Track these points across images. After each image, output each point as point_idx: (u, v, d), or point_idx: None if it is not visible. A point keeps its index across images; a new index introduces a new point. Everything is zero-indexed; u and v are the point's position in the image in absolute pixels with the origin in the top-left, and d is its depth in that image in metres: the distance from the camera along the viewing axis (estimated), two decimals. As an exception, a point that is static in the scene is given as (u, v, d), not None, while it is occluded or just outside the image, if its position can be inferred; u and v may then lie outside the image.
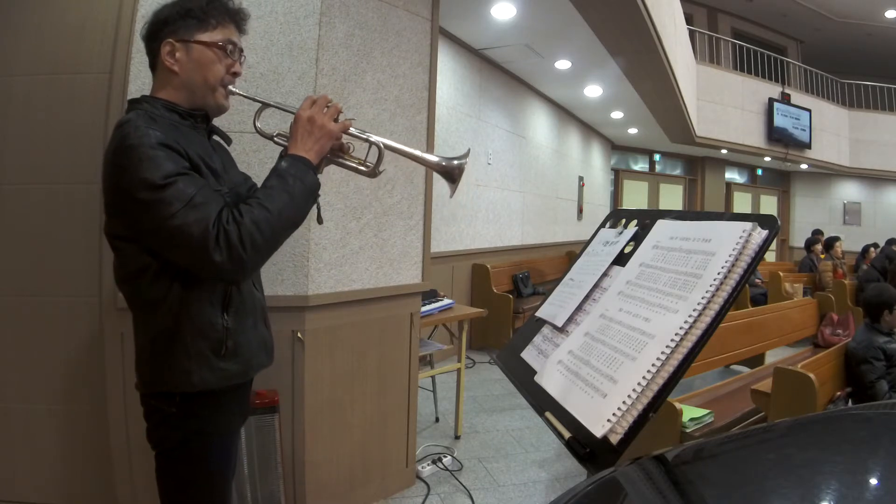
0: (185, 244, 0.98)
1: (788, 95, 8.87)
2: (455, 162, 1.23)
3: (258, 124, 1.23)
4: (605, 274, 1.18)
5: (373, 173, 1.23)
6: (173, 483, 1.15)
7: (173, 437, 1.12)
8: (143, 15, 1.81)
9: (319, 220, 1.26)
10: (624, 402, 0.84)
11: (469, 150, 1.36)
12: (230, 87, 1.16)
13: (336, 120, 1.16)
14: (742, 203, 10.90)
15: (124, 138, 0.99)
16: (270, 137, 1.24)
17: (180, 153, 1.01)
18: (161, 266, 1.04)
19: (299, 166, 1.10)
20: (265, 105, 1.23)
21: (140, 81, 1.81)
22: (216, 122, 1.25)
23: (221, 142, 1.29)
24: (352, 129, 1.19)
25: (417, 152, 1.24)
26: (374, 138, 1.20)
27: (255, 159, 1.84)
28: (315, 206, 1.18)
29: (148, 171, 0.96)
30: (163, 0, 1.64)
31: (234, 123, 1.77)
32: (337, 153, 1.22)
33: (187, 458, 1.13)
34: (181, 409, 1.09)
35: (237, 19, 1.16)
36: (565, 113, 7.07)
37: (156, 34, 1.10)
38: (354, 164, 1.25)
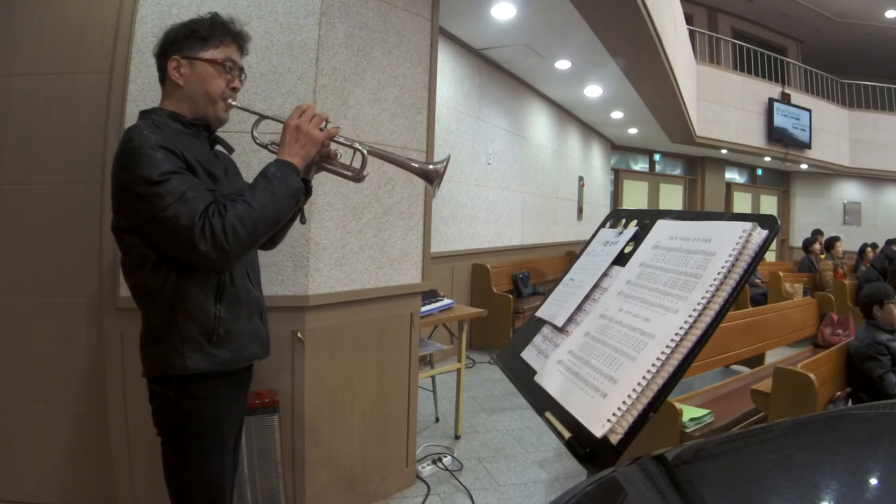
0: (175, 234, 1.08)
1: (788, 95, 8.87)
2: (431, 167, 1.33)
3: (255, 133, 1.35)
4: (605, 274, 1.18)
5: (357, 178, 1.33)
6: (172, 465, 1.23)
7: (171, 419, 1.22)
8: (143, 15, 1.82)
9: (302, 220, 1.39)
10: (624, 402, 0.84)
11: (449, 156, 1.44)
12: (229, 101, 1.27)
13: (324, 129, 1.26)
14: (742, 203, 10.90)
15: (129, 141, 1.11)
16: (265, 146, 1.34)
17: (177, 155, 1.12)
18: (159, 257, 1.15)
19: (284, 170, 1.20)
20: (262, 117, 1.34)
21: (140, 81, 1.81)
22: (221, 133, 1.35)
23: (224, 151, 1.39)
24: (338, 137, 1.29)
25: (398, 157, 1.33)
26: (357, 144, 1.30)
27: (255, 160, 1.85)
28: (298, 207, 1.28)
29: (146, 168, 1.07)
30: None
31: (234, 124, 1.77)
32: (325, 159, 1.33)
33: (183, 439, 1.22)
34: (178, 392, 1.19)
35: (238, 40, 1.29)
36: (565, 113, 7.07)
37: (165, 52, 1.23)
38: (341, 170, 1.35)
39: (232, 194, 1.20)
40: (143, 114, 1.22)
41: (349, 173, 1.34)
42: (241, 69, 1.29)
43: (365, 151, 1.29)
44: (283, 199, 1.18)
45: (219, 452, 1.25)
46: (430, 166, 1.32)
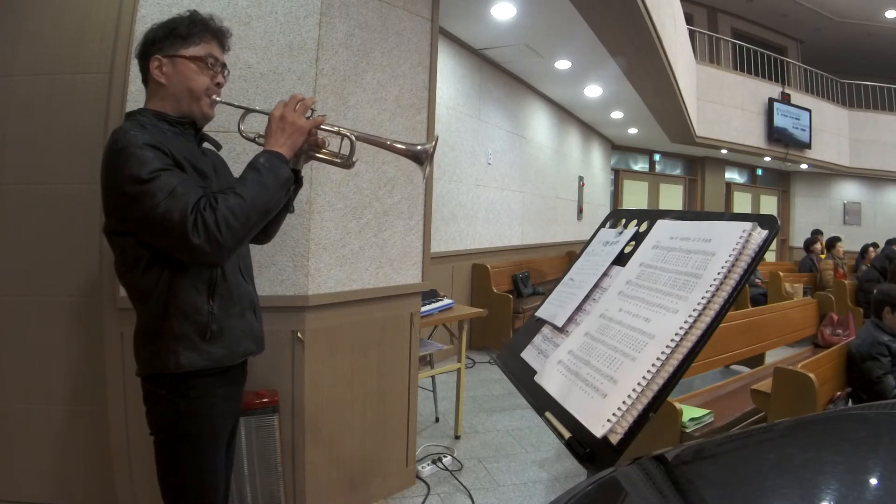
0: (167, 229, 1.07)
1: (788, 95, 8.87)
2: (419, 147, 1.33)
3: (242, 127, 1.35)
4: (605, 274, 1.18)
5: (347, 164, 1.33)
6: (166, 465, 1.23)
7: (165, 419, 1.21)
8: (144, 15, 1.82)
9: (291, 210, 1.41)
10: (624, 402, 0.85)
11: (438, 136, 1.44)
12: (213, 97, 1.27)
13: (309, 117, 1.26)
14: (742, 203, 10.89)
15: (115, 142, 1.11)
16: (252, 139, 1.34)
17: (164, 153, 1.12)
18: (152, 256, 1.15)
19: (273, 160, 1.20)
20: (248, 110, 1.34)
21: (140, 81, 1.81)
22: (213, 133, 1.34)
23: (212, 148, 1.39)
24: (324, 125, 1.28)
25: (385, 140, 1.33)
26: (344, 131, 1.30)
27: (245, 158, 1.84)
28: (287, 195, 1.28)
29: (135, 167, 1.07)
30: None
31: (231, 123, 1.77)
32: (313, 147, 1.33)
33: (177, 439, 1.21)
34: (171, 391, 1.19)
35: (219, 36, 1.29)
36: (565, 113, 7.07)
37: (146, 53, 1.23)
38: (330, 158, 1.35)
39: (223, 188, 1.20)
40: (129, 115, 1.22)
41: (338, 160, 1.34)
42: (224, 65, 1.30)
43: (353, 137, 1.29)
44: (273, 190, 1.18)
45: (213, 452, 1.25)
46: (419, 147, 1.32)
